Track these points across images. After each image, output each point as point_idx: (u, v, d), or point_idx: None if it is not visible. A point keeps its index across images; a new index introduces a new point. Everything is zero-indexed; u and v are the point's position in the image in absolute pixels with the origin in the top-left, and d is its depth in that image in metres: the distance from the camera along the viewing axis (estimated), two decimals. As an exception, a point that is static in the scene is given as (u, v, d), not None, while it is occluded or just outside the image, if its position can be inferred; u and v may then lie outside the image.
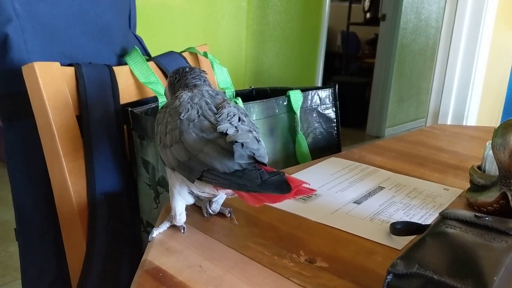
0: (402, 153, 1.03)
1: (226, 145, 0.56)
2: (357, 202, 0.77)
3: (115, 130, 0.90)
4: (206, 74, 0.73)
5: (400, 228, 0.66)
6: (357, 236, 0.66)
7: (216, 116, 0.61)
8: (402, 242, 0.64)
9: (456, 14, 2.00)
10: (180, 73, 0.72)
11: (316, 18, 3.77)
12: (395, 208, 0.75)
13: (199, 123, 0.60)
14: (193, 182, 0.58)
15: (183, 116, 0.61)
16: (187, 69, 0.73)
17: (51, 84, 0.79)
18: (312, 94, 1.13)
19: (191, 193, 0.64)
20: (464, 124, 2.03)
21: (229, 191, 0.59)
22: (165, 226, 0.66)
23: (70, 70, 0.85)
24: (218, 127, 0.58)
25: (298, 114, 1.09)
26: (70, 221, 0.82)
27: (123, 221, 0.88)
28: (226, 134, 0.57)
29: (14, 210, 0.93)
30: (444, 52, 2.04)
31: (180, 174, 0.60)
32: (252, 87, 1.25)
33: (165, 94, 0.78)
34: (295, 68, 3.79)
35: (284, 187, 0.52)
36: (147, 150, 0.84)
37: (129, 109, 0.89)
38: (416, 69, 5.22)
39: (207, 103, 0.64)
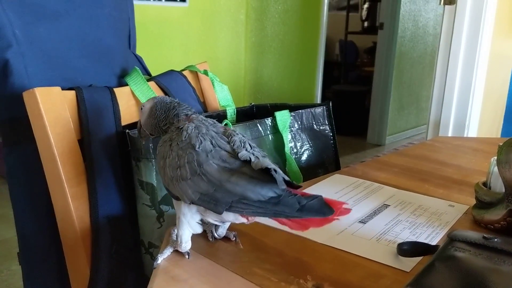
0: (405, 169, 1.03)
1: (253, 173, 0.57)
2: (363, 221, 0.76)
3: (117, 153, 0.89)
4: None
5: (407, 249, 0.65)
6: (364, 258, 0.65)
7: (231, 144, 0.61)
8: (409, 263, 0.63)
9: (455, 23, 2.00)
10: (167, 106, 0.71)
11: (314, 28, 3.78)
12: (401, 227, 0.74)
13: (217, 154, 0.60)
14: (221, 213, 0.58)
15: (198, 148, 0.60)
16: (175, 102, 0.72)
17: (52, 109, 0.79)
18: (305, 112, 1.13)
19: (201, 222, 0.64)
20: (465, 133, 2.03)
21: (258, 218, 0.60)
22: (168, 251, 0.65)
23: (71, 94, 0.85)
24: (239, 154, 0.59)
25: (285, 134, 1.08)
26: (73, 247, 0.82)
27: (126, 245, 0.87)
28: (248, 162, 0.58)
29: (17, 234, 0.93)
30: (443, 62, 2.05)
31: (203, 206, 0.60)
32: (253, 103, 1.25)
33: (141, 128, 0.76)
34: (295, 78, 3.80)
35: (326, 210, 0.53)
36: (143, 171, 0.83)
37: (126, 131, 0.89)
38: (415, 76, 5.23)
39: (216, 133, 0.64)
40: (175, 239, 0.68)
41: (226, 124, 0.96)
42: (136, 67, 1.06)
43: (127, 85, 1.03)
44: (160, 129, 0.71)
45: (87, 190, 0.84)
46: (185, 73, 1.19)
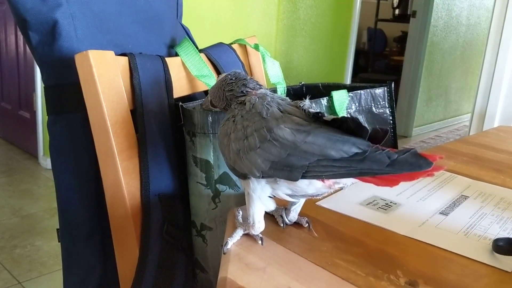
0: (474, 158, 0.95)
1: (332, 131, 0.51)
2: (444, 213, 0.69)
3: (169, 126, 0.83)
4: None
5: (504, 246, 0.58)
6: (456, 254, 0.58)
7: (301, 110, 0.55)
8: (508, 262, 0.56)
9: (507, 11, 1.89)
10: (233, 81, 0.66)
11: (347, 14, 3.67)
12: (488, 221, 0.66)
13: (288, 119, 0.54)
14: (297, 180, 0.52)
15: (265, 115, 0.55)
16: (241, 75, 0.67)
17: (105, 75, 0.73)
18: (364, 93, 1.05)
19: (272, 197, 0.57)
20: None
21: (340, 181, 0.53)
22: (238, 235, 0.59)
23: (124, 60, 0.78)
24: (311, 111, 0.53)
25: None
26: (123, 225, 0.76)
27: (177, 225, 0.81)
28: (323, 120, 0.52)
29: (58, 210, 0.87)
30: (492, 51, 1.94)
31: (275, 176, 0.54)
32: (302, 82, 1.18)
33: (206, 104, 0.72)
34: (325, 64, 3.70)
35: (423, 163, 0.46)
36: (198, 147, 0.77)
37: (180, 104, 0.82)
38: (445, 68, 5.08)
39: (282, 99, 0.57)
40: (241, 221, 0.61)
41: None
42: (187, 37, 0.99)
43: (177, 55, 0.96)
44: (225, 100, 0.65)
45: (139, 165, 0.77)
46: (234, 46, 1.12)
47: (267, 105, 0.56)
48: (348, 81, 3.80)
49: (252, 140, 0.54)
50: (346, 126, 0.51)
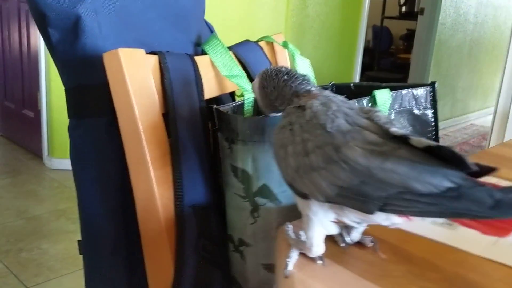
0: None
1: (415, 156, 0.42)
2: (514, 228, 0.62)
3: (201, 131, 0.76)
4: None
5: None
6: (542, 278, 0.51)
7: (373, 122, 0.47)
8: None
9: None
10: (277, 82, 0.59)
11: (355, 11, 3.60)
12: None
13: (358, 134, 0.46)
14: (371, 213, 0.44)
15: (330, 128, 0.47)
16: (290, 72, 0.60)
17: (136, 76, 0.66)
18: (405, 93, 0.98)
19: (336, 222, 0.50)
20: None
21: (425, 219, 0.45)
22: (295, 255, 0.52)
23: (154, 59, 0.72)
24: (392, 130, 0.45)
25: None
26: (156, 240, 0.69)
27: (213, 239, 0.74)
28: (405, 140, 0.44)
29: (81, 221, 0.80)
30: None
31: (344, 204, 0.46)
32: (333, 82, 1.11)
33: (260, 102, 0.65)
34: (334, 62, 3.64)
35: None
36: (238, 155, 0.70)
37: (214, 106, 0.75)
38: (452, 66, 5.02)
39: (350, 109, 0.50)
40: (294, 237, 0.55)
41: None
42: (215, 34, 0.92)
43: (203, 53, 0.89)
44: (279, 98, 0.59)
45: (172, 174, 0.70)
46: (261, 44, 1.05)
47: (331, 115, 0.48)
48: (356, 79, 3.73)
49: (315, 159, 0.47)
50: (436, 152, 0.42)
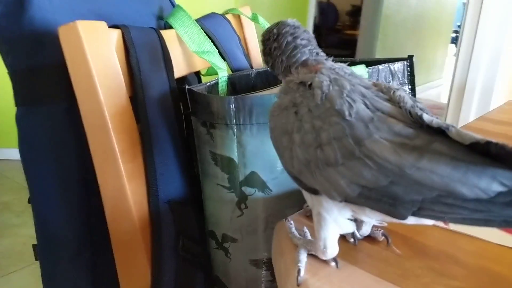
0: (488, 134, 0.86)
1: (456, 152, 0.35)
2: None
3: (173, 116, 0.67)
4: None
5: None
6: None
7: (397, 105, 0.40)
8: None
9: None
10: (290, 37, 0.50)
11: (305, -14, 3.54)
12: None
13: (383, 123, 0.38)
14: (404, 219, 0.37)
15: (349, 115, 0.39)
16: (301, 34, 0.51)
17: (99, 53, 0.56)
18: (382, 68, 0.93)
19: (352, 219, 0.43)
20: (492, 98, 1.89)
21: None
22: (304, 257, 0.45)
23: (117, 34, 0.62)
24: (425, 118, 0.37)
25: None
26: (129, 242, 0.60)
27: (193, 237, 0.66)
28: (441, 131, 0.36)
29: (35, 223, 0.70)
30: (472, 19, 1.87)
31: (368, 207, 0.39)
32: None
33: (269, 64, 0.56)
34: (284, 39, 3.56)
35: None
36: (219, 141, 0.62)
37: (187, 87, 0.67)
38: (398, 41, 5.08)
39: (366, 88, 0.42)
40: (298, 236, 0.48)
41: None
42: (180, 6, 0.82)
43: (166, 28, 0.80)
44: (277, 66, 0.51)
45: (144, 166, 0.61)
46: (228, 17, 0.96)
47: (347, 98, 0.40)
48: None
49: (331, 152, 0.39)
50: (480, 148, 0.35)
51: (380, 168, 0.37)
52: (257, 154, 0.61)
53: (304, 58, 0.49)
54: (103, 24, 0.58)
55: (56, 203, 0.67)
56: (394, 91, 0.42)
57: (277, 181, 0.62)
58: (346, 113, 0.39)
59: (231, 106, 0.60)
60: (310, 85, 0.44)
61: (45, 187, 0.67)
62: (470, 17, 1.89)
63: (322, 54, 0.49)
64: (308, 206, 0.51)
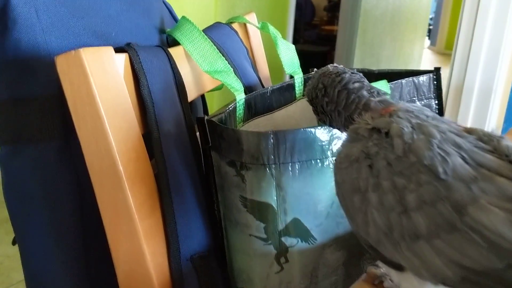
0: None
1: None
2: None
3: (190, 153, 0.57)
4: None
5: None
6: None
7: (506, 156, 0.31)
8: None
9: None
10: (338, 87, 0.42)
11: (284, -18, 3.45)
12: None
13: (489, 183, 0.30)
14: None
15: (444, 173, 0.31)
16: (349, 77, 0.44)
17: (108, 87, 0.45)
18: (405, 83, 0.83)
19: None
20: (491, 99, 1.83)
21: None
22: None
23: (124, 59, 0.51)
24: None
25: None
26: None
27: (221, 297, 0.56)
28: None
29: (25, 276, 0.59)
30: (470, 17, 1.81)
31: None
32: (316, 69, 0.94)
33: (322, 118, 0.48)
34: (267, 36, 3.47)
35: None
36: (254, 184, 0.52)
37: (205, 118, 0.56)
38: (376, 36, 5.04)
39: (459, 135, 0.34)
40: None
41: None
42: (186, 17, 0.71)
43: (173, 43, 0.69)
44: (336, 120, 0.42)
45: (162, 220, 0.51)
46: (234, 27, 0.85)
47: (439, 150, 0.32)
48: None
49: (421, 221, 0.31)
50: None
51: (492, 245, 0.28)
52: (300, 197, 0.51)
53: (364, 101, 0.40)
54: (109, 50, 0.46)
55: (50, 257, 0.56)
56: (498, 140, 0.32)
57: (322, 227, 0.52)
58: (440, 170, 0.31)
59: (269, 143, 0.49)
60: (387, 133, 0.34)
61: (36, 238, 0.56)
62: (467, 14, 1.82)
63: (383, 92, 0.40)
64: (371, 263, 0.42)
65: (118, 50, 0.51)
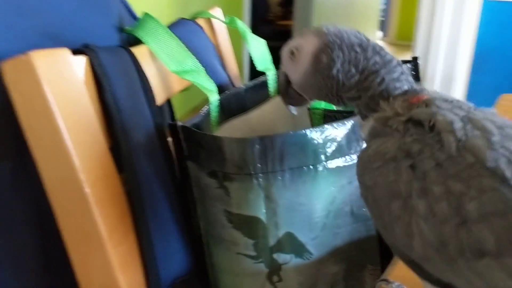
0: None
1: None
2: None
3: (163, 164, 0.50)
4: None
5: None
6: None
7: None
8: None
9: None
10: (361, 57, 0.36)
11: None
12: None
13: None
14: None
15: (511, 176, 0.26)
16: (373, 51, 0.36)
17: (65, 96, 0.38)
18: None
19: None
20: (452, 86, 1.84)
21: None
22: None
23: (84, 62, 0.44)
24: None
25: None
26: None
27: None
28: None
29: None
30: (428, 7, 1.81)
31: None
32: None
33: (289, 88, 0.41)
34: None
35: None
36: (241, 197, 0.46)
37: (179, 124, 0.50)
38: (331, 29, 5.07)
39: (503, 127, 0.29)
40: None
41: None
42: (149, 14, 0.65)
43: (135, 42, 0.62)
44: (340, 99, 0.37)
45: (138, 244, 0.44)
46: (199, 22, 0.79)
47: (503, 149, 0.27)
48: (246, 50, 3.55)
49: (487, 235, 0.26)
50: None
51: None
52: (292, 209, 0.46)
53: (406, 87, 0.34)
54: (65, 53, 0.40)
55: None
56: None
57: (318, 240, 0.47)
58: (508, 174, 0.26)
59: (255, 150, 0.44)
60: (431, 127, 0.29)
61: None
62: (425, 4, 1.82)
63: (419, 85, 0.35)
64: (379, 279, 0.37)
65: (75, 52, 0.44)
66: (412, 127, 0.31)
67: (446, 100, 0.32)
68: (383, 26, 6.57)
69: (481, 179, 0.27)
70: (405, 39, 5.77)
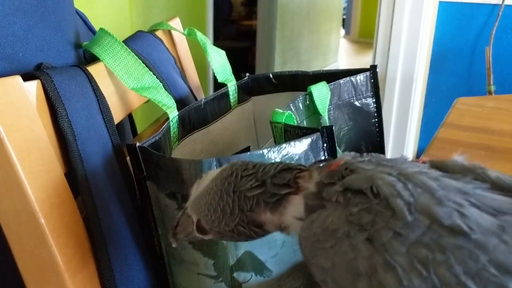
0: (468, 145, 0.79)
1: None
2: None
3: (122, 186, 0.50)
4: None
5: None
6: None
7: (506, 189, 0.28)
8: None
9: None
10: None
11: (200, -21, 3.37)
12: None
13: None
14: None
15: (472, 231, 0.26)
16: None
17: (17, 125, 0.37)
18: (343, 83, 0.80)
19: None
20: (413, 88, 1.88)
21: None
22: None
23: (36, 88, 0.43)
24: None
25: (326, 117, 0.75)
26: None
27: None
28: None
29: None
30: (387, 7, 1.84)
31: None
32: (248, 74, 0.89)
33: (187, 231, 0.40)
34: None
35: None
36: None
37: (137, 145, 0.50)
38: (295, 29, 5.09)
39: (451, 178, 0.30)
40: None
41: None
42: (104, 29, 0.64)
43: (93, 57, 0.61)
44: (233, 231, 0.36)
45: (97, 269, 0.44)
46: (158, 35, 0.78)
47: (451, 203, 0.27)
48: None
49: None
50: None
51: None
52: (251, 229, 0.46)
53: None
54: (15, 80, 0.39)
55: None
56: (483, 172, 0.29)
57: (278, 258, 0.48)
58: (465, 228, 0.26)
59: (208, 167, 0.44)
60: (376, 193, 0.29)
61: None
62: (385, 5, 1.85)
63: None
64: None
65: (27, 77, 0.44)
66: (353, 196, 0.30)
67: (363, 161, 0.32)
68: (345, 24, 6.66)
69: (442, 240, 0.26)
70: (367, 36, 5.87)
